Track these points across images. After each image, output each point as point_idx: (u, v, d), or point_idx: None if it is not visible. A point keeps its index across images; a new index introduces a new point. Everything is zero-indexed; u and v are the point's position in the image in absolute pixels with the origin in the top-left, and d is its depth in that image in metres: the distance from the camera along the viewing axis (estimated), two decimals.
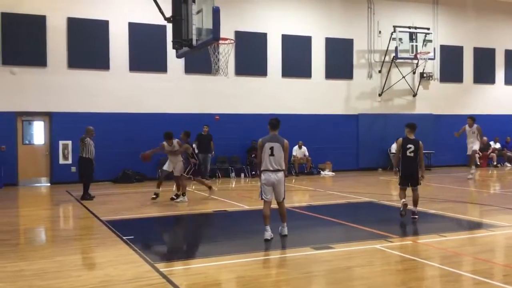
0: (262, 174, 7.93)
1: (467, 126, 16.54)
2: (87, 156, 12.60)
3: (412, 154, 9.57)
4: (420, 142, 9.69)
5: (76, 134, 16.47)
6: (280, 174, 7.87)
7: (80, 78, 16.68)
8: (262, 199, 7.97)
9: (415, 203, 9.69)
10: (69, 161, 16.55)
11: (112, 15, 17.13)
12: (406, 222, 9.47)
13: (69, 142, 16.53)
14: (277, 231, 7.99)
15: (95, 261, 6.72)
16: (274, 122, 8.02)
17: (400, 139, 9.79)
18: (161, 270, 6.19)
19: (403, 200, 9.71)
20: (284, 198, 8.05)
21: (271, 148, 7.81)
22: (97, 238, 8.25)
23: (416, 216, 9.60)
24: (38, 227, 9.81)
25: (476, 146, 16.34)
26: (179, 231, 9.84)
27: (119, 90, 17.18)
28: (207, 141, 16.96)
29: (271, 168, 7.82)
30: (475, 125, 16.35)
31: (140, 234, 8.72)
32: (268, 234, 7.82)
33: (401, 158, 9.67)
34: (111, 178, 16.86)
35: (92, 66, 16.87)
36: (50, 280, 5.85)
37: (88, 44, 16.78)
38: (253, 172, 18.08)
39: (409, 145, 9.60)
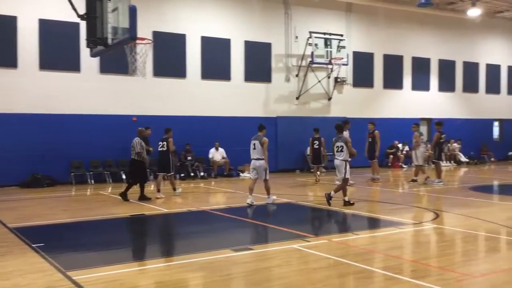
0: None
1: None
2: (135, 158, 12.61)
3: (317, 146, 16.33)
4: (322, 138, 16.17)
5: None
6: (260, 161, 11.59)
7: None
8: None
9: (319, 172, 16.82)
10: None
11: (21, 10, 16.18)
12: (322, 221, 9.78)
13: None
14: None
15: (2, 271, 6.29)
16: (259, 126, 11.81)
17: (311, 138, 16.48)
18: (73, 278, 5.92)
19: (316, 177, 16.33)
20: (266, 179, 11.70)
21: (254, 144, 11.59)
22: (4, 246, 7.73)
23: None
24: None
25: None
26: (93, 237, 9.44)
27: (29, 89, 16.27)
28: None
29: (254, 157, 11.64)
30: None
31: (51, 241, 8.29)
32: (249, 200, 11.55)
33: (312, 149, 16.30)
34: (18, 183, 15.89)
35: None
36: None
37: None
38: (182, 175, 18.06)
39: (315, 141, 16.28)
